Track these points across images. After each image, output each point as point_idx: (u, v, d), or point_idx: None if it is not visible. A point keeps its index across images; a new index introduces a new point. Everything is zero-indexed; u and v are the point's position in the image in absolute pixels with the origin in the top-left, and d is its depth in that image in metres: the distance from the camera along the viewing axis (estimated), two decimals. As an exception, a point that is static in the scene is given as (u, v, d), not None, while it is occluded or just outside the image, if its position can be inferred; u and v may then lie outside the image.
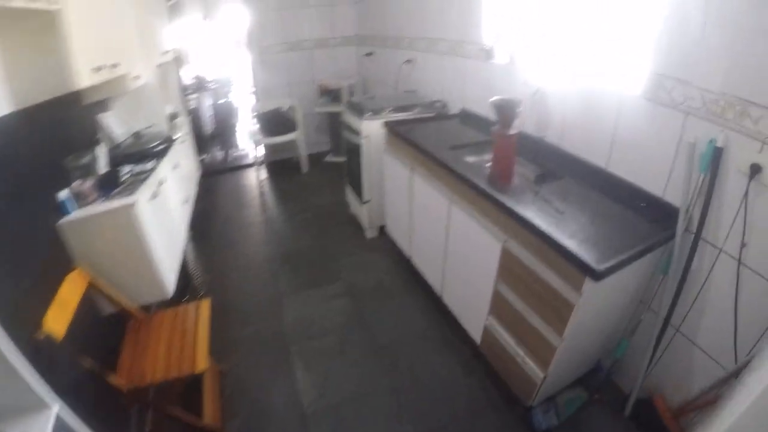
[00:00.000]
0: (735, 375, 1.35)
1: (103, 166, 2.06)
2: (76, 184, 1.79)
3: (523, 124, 2.15)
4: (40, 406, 1.17)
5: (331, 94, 4.55)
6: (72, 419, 1.27)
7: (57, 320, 1.37)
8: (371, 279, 2.84)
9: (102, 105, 2.49)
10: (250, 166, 4.97)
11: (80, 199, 1.78)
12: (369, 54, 4.35)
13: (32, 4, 1.42)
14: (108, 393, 1.54)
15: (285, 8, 4.29)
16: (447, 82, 3.01)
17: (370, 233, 3.28)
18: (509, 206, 1.60)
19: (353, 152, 3.03)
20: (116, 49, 2.15)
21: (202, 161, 4.76)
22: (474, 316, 2.05)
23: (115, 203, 1.80)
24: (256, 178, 4.69)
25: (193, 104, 5.23)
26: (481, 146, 2.30)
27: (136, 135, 2.60)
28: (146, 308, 2.07)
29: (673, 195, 1.54)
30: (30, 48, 1.62)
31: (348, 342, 2.34)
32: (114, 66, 2.03)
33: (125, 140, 2.52)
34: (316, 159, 4.88)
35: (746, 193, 1.31)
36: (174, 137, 2.74)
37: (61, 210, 1.71)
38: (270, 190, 4.42)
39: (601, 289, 1.33)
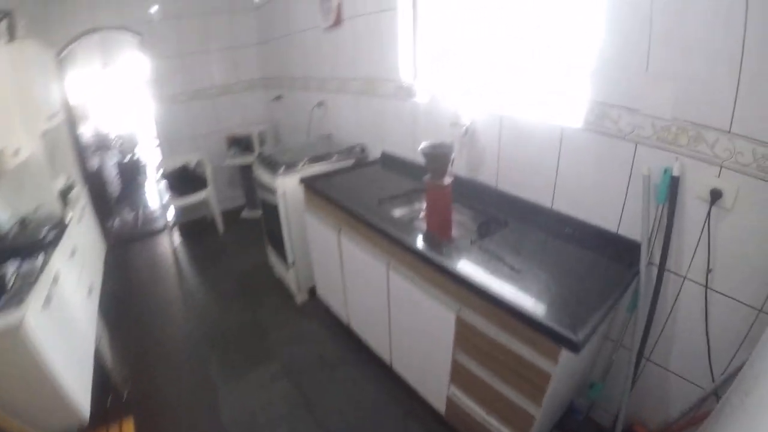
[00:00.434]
0: (714, 392, 1.35)
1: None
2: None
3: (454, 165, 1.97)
4: None
5: (241, 144, 4.22)
6: None
7: None
8: (310, 352, 2.49)
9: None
10: (162, 230, 4.53)
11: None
12: (277, 98, 4.10)
13: None
14: None
15: (186, 54, 3.98)
16: (364, 124, 2.80)
17: (300, 297, 2.92)
18: (460, 275, 1.36)
19: (270, 211, 2.69)
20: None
21: (109, 228, 4.32)
22: (434, 386, 1.80)
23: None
24: (169, 244, 4.25)
25: (95, 164, 4.80)
26: (410, 196, 2.10)
27: (22, 222, 2.23)
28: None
29: (629, 229, 1.47)
30: None
31: (297, 435, 1.97)
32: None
33: (9, 230, 2.14)
34: (231, 215, 4.54)
35: (708, 220, 1.25)
36: (67, 219, 2.34)
37: None
38: (186, 257, 4.00)
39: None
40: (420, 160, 1.69)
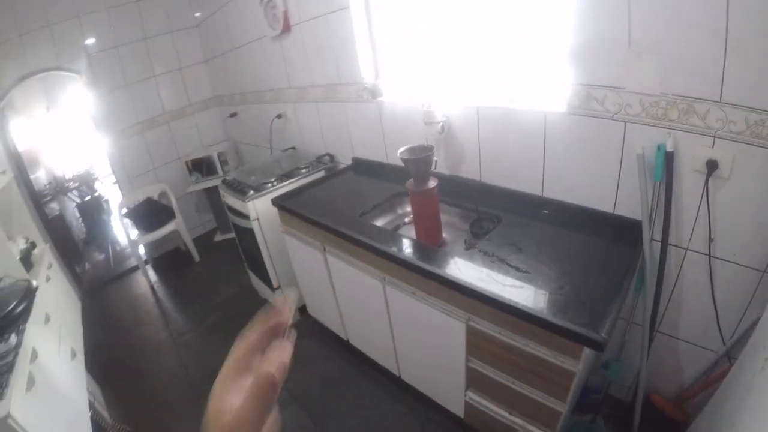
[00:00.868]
0: (726, 354, 1.36)
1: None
2: None
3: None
4: None
5: (203, 167, 4.02)
6: None
7: None
8: (315, 373, 2.38)
9: None
10: (136, 268, 4.28)
11: None
12: (233, 115, 3.91)
13: None
14: None
15: (131, 83, 3.73)
16: (330, 132, 2.67)
17: (292, 318, 2.78)
18: (467, 286, 1.27)
19: (245, 236, 2.54)
20: None
21: (81, 275, 4.06)
22: (449, 393, 1.72)
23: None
24: (146, 282, 4.02)
25: (55, 210, 4.51)
26: (392, 201, 2.00)
27: (-14, 300, 1.98)
28: None
29: (626, 208, 1.44)
30: None
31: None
32: None
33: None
34: (205, 241, 4.35)
35: (706, 191, 1.23)
36: (34, 284, 2.11)
37: None
38: (166, 293, 3.79)
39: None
40: (394, 161, 1.59)
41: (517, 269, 1.29)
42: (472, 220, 1.62)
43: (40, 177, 4.62)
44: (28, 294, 2.00)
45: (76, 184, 5.02)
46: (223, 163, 4.02)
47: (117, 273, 4.31)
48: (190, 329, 3.16)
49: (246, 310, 2.80)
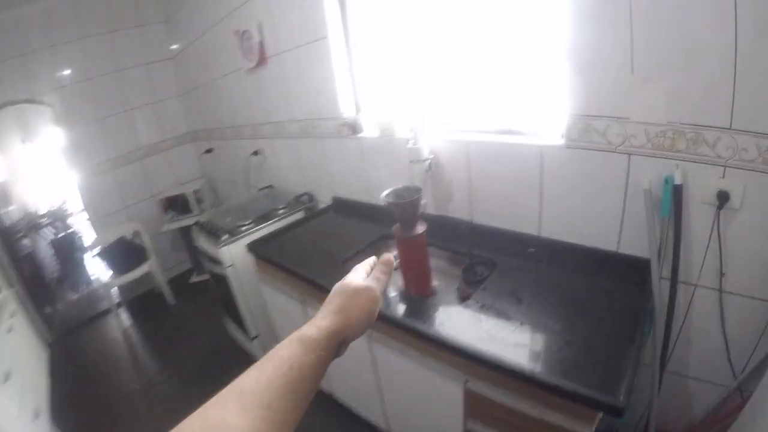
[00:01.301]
0: (738, 388, 1.29)
1: None
2: None
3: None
4: None
5: (178, 205, 3.84)
6: None
7: None
8: (298, 427, 2.15)
9: None
10: (109, 311, 4.07)
11: None
12: (208, 151, 3.78)
13: None
14: None
15: (104, 117, 3.61)
16: (309, 170, 2.55)
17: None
18: (465, 348, 1.13)
19: (221, 282, 2.36)
20: None
21: (53, 315, 3.94)
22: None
23: None
24: (119, 326, 3.82)
25: (27, 247, 4.37)
26: (376, 245, 1.86)
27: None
28: None
29: (631, 246, 1.33)
30: None
31: None
32: None
33: None
34: (180, 282, 4.14)
35: (717, 224, 1.15)
36: None
37: None
38: (139, 338, 3.59)
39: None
40: (378, 200, 1.47)
41: (520, 322, 1.16)
42: (465, 265, 1.47)
43: (12, 212, 4.51)
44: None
45: (50, 220, 4.87)
46: (199, 200, 3.86)
47: (90, 315, 4.09)
48: (164, 379, 2.95)
49: (223, 359, 2.57)
